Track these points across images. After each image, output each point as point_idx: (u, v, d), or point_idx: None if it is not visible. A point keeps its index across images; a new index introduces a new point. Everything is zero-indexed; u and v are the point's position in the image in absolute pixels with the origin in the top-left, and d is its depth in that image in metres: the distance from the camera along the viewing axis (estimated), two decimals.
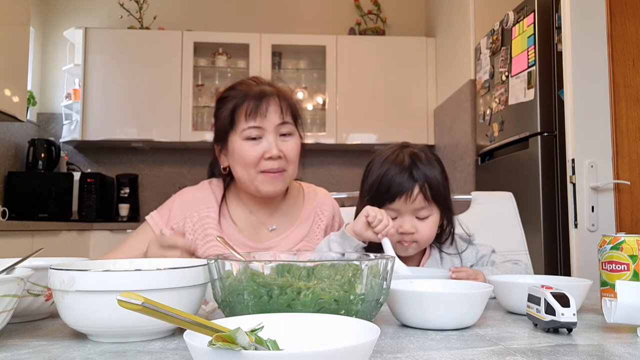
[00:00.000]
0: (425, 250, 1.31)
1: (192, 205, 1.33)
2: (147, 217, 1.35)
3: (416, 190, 1.18)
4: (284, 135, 1.27)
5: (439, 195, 1.21)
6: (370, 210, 1.13)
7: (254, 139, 1.25)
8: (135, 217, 4.21)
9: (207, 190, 1.37)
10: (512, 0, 2.97)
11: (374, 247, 1.22)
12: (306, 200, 1.41)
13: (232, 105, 1.27)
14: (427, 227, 1.22)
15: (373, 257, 0.77)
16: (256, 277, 0.69)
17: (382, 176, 1.21)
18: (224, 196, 1.36)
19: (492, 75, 3.16)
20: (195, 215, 1.32)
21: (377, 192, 1.21)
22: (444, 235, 1.29)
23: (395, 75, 4.27)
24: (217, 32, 4.28)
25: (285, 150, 1.26)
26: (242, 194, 1.35)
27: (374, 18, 4.57)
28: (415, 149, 1.26)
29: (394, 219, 1.20)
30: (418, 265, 1.29)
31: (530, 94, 2.69)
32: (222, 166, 1.33)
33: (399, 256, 1.25)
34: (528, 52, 2.72)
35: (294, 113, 1.30)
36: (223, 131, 1.29)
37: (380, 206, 1.19)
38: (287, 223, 1.37)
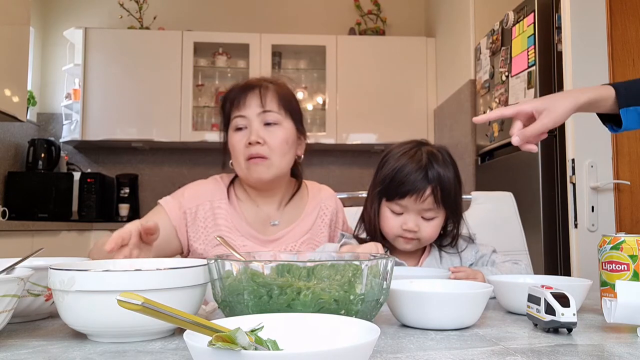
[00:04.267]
0: (425, 248, 1.31)
1: (206, 194, 1.38)
2: (160, 201, 1.38)
3: (428, 191, 1.18)
4: (268, 124, 1.31)
5: (449, 199, 1.21)
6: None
7: (240, 129, 1.31)
8: (135, 217, 4.20)
9: (219, 183, 1.42)
10: (512, 0, 2.97)
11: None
12: (310, 197, 1.45)
13: (223, 101, 1.37)
14: (430, 227, 1.22)
15: (373, 257, 0.77)
16: (256, 277, 0.69)
17: (397, 170, 1.20)
18: (230, 189, 1.40)
19: (492, 75, 3.16)
20: (208, 204, 1.36)
21: (390, 186, 1.21)
22: (447, 237, 1.30)
23: (395, 75, 4.27)
24: (217, 32, 4.28)
25: (267, 138, 1.29)
26: (248, 189, 1.40)
27: (374, 18, 4.57)
28: (434, 148, 1.26)
29: (400, 214, 1.22)
30: (417, 263, 1.29)
31: (530, 94, 2.69)
32: (230, 161, 1.38)
33: (398, 251, 1.26)
34: (528, 52, 2.72)
35: (283, 103, 1.33)
36: (224, 126, 1.37)
37: (390, 200, 1.21)
38: (292, 217, 1.40)
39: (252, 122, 1.30)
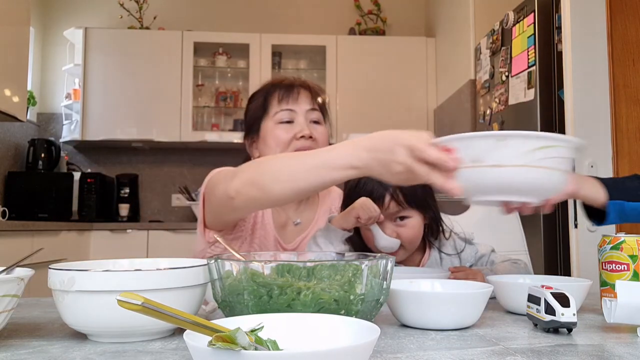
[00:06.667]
0: (424, 251, 1.31)
1: None
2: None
3: (387, 198, 1.19)
4: (314, 122, 1.33)
5: (414, 198, 1.21)
6: (361, 213, 1.14)
7: (286, 122, 1.30)
8: (135, 217, 4.21)
9: None
10: (512, 0, 2.97)
11: (356, 236, 1.24)
12: (320, 197, 1.46)
13: (264, 94, 1.34)
14: (408, 230, 1.22)
15: (373, 257, 0.77)
16: (256, 277, 0.69)
17: (356, 184, 1.23)
18: None
19: (492, 75, 3.16)
20: None
21: (355, 199, 1.22)
22: (433, 233, 1.29)
23: (395, 75, 4.27)
24: (217, 32, 4.28)
25: (316, 134, 1.31)
26: None
27: (374, 18, 4.57)
28: None
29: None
30: (418, 266, 1.29)
31: (530, 94, 2.69)
32: (253, 158, 1.36)
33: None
34: (528, 52, 2.72)
35: (323, 106, 1.37)
36: (255, 120, 1.35)
37: None
38: (308, 218, 1.41)
39: (299, 118, 1.31)
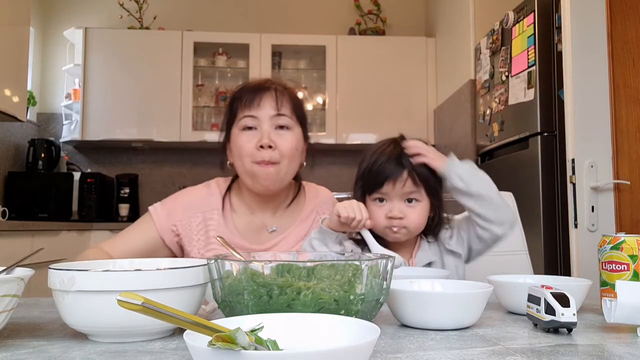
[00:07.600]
0: (416, 242, 1.31)
1: (198, 205, 1.34)
2: (150, 208, 1.36)
3: (405, 174, 1.20)
4: (280, 127, 1.27)
5: (428, 183, 1.23)
6: (341, 210, 1.14)
7: (249, 128, 1.26)
8: (135, 217, 4.19)
9: (214, 190, 1.37)
10: (512, 0, 2.97)
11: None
12: (307, 200, 1.41)
13: (232, 99, 1.31)
14: (416, 212, 1.23)
15: (373, 257, 0.77)
16: (256, 277, 0.69)
17: (373, 164, 1.23)
18: (226, 196, 1.36)
19: (492, 75, 3.16)
20: (200, 216, 1.33)
21: (368, 179, 1.23)
22: (432, 227, 1.29)
23: (395, 75, 4.27)
24: (217, 32, 4.28)
25: (278, 142, 1.24)
26: (245, 194, 1.35)
27: (374, 18, 4.57)
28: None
29: (383, 204, 1.23)
30: (411, 256, 1.28)
31: (530, 94, 2.69)
32: (228, 162, 1.34)
33: (389, 243, 1.25)
34: (528, 52, 2.72)
35: (295, 108, 1.30)
36: (227, 125, 1.32)
37: (370, 193, 1.22)
38: (287, 223, 1.36)
39: (263, 124, 1.25)
